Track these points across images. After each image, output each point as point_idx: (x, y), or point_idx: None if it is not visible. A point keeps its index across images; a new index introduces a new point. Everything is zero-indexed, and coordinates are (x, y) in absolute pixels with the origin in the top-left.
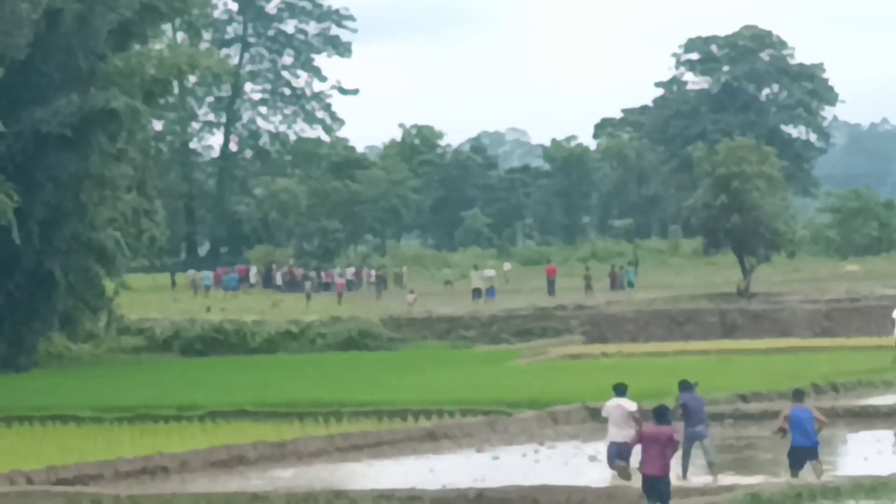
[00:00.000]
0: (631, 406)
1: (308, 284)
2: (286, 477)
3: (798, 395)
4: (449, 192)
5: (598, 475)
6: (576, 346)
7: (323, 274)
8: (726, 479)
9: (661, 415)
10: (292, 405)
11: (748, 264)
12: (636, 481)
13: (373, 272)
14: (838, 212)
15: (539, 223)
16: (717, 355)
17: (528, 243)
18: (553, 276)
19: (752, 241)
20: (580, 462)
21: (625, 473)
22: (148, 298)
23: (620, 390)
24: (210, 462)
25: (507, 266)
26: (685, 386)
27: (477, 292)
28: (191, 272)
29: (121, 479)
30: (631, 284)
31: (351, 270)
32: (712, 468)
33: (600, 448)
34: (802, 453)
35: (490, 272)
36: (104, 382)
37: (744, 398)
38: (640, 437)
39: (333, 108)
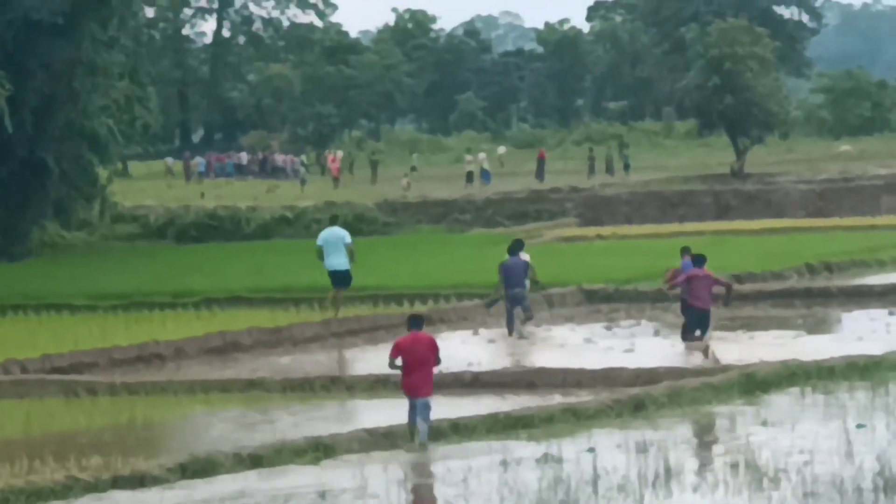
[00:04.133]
0: (524, 257)
1: (303, 170)
2: (282, 363)
3: (699, 259)
4: (443, 76)
5: (594, 357)
6: (570, 228)
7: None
8: (723, 355)
9: (699, 260)
10: (287, 291)
11: (742, 145)
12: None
13: (301, 159)
14: (831, 92)
15: (533, 106)
16: (712, 236)
17: (523, 126)
18: (543, 158)
19: (746, 122)
20: (575, 344)
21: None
22: (142, 185)
23: (518, 246)
24: (205, 349)
25: (501, 149)
26: (512, 249)
27: (469, 176)
28: (168, 159)
29: (116, 367)
30: (627, 167)
31: (283, 157)
32: (527, 319)
33: (596, 330)
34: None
35: (482, 156)
36: (98, 270)
37: (738, 279)
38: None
39: None
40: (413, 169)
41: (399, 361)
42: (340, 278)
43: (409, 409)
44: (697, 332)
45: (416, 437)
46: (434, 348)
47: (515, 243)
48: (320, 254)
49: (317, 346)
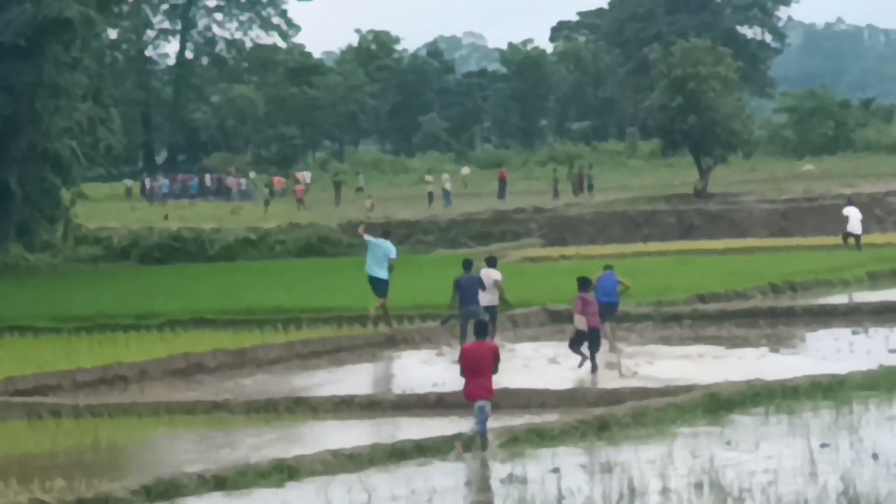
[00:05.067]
0: (497, 275)
1: (267, 191)
2: (246, 385)
3: (585, 283)
4: (406, 96)
5: (559, 377)
6: (534, 249)
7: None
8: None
9: (584, 284)
10: (251, 312)
11: (705, 165)
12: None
13: (243, 181)
14: (794, 112)
15: (497, 127)
16: (676, 256)
17: (487, 147)
18: (505, 179)
19: (709, 142)
20: (540, 364)
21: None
22: (106, 207)
23: (491, 262)
24: (169, 371)
25: (465, 170)
26: (466, 265)
27: (431, 196)
28: (126, 181)
29: (79, 389)
30: (591, 187)
31: (231, 179)
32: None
33: (560, 350)
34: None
35: (445, 176)
36: (62, 292)
37: (702, 298)
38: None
39: (289, 14)
40: (359, 190)
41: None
42: (376, 285)
43: (477, 414)
44: (584, 350)
45: (485, 442)
46: (495, 357)
47: (465, 262)
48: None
49: (281, 368)
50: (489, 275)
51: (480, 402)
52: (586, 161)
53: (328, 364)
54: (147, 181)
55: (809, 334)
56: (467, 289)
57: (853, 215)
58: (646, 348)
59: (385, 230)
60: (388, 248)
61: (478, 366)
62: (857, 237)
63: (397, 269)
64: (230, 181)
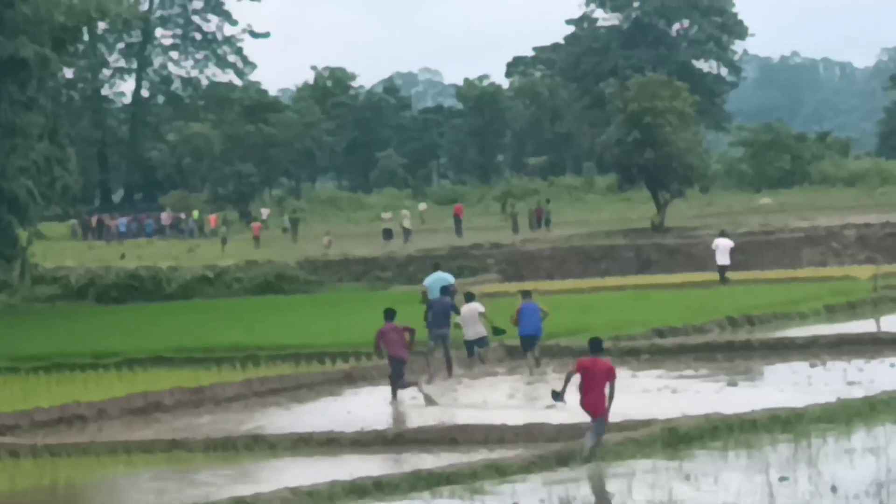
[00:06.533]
0: (480, 308)
1: (224, 229)
2: (204, 423)
3: (390, 314)
4: (363, 133)
5: (517, 413)
6: (492, 284)
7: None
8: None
9: (389, 315)
10: (209, 350)
11: (662, 199)
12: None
13: (178, 215)
14: (751, 145)
15: (454, 162)
16: (633, 290)
17: (444, 183)
18: (460, 215)
19: (666, 177)
20: (498, 399)
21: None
22: (62, 246)
23: (469, 297)
24: (127, 409)
25: (422, 206)
26: (443, 288)
27: (387, 233)
28: (72, 221)
29: (38, 429)
30: (549, 222)
31: (166, 215)
32: (450, 368)
33: (518, 386)
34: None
35: (405, 213)
36: (19, 332)
37: (660, 333)
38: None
39: (245, 52)
40: (285, 230)
41: (577, 379)
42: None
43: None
44: (409, 378)
45: (589, 452)
46: (609, 376)
47: (466, 296)
48: (425, 297)
49: (239, 406)
50: (473, 309)
51: (600, 419)
52: (543, 196)
53: (287, 401)
54: (92, 220)
55: (767, 368)
56: (439, 311)
57: (722, 246)
58: None
59: (436, 263)
60: (445, 277)
61: (594, 381)
62: (723, 268)
63: (350, 306)
64: (164, 217)
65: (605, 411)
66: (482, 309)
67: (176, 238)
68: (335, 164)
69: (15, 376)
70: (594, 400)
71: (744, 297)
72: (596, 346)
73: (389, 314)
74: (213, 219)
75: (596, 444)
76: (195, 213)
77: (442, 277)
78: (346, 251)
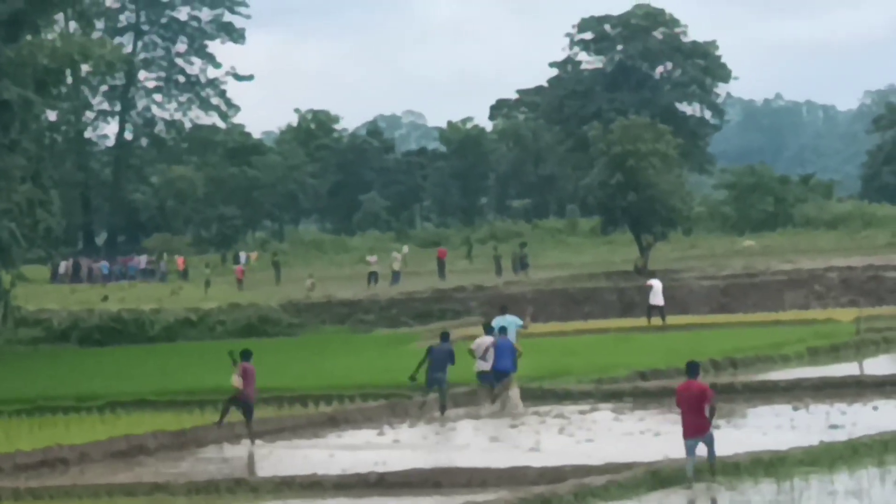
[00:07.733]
0: (489, 340)
1: (207, 271)
2: (186, 466)
3: (247, 355)
4: (346, 176)
5: (499, 456)
6: (475, 327)
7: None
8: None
9: (246, 356)
10: (192, 393)
11: (645, 242)
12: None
13: (144, 258)
14: (734, 188)
15: (437, 205)
16: (616, 333)
17: (427, 225)
18: (444, 258)
19: (649, 219)
20: (480, 442)
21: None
22: (45, 289)
23: (490, 329)
24: (110, 453)
25: (405, 249)
26: (443, 336)
27: (372, 277)
28: (63, 262)
29: (20, 472)
30: (526, 266)
31: (143, 259)
32: (443, 409)
33: (501, 429)
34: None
35: (395, 255)
36: (1, 374)
37: (643, 376)
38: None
39: (228, 95)
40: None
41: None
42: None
43: (687, 452)
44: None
45: (695, 474)
46: (704, 397)
47: (443, 334)
48: (471, 353)
49: (222, 449)
50: (483, 342)
51: (707, 435)
52: (523, 239)
53: (269, 444)
54: (64, 265)
55: (750, 410)
56: (437, 358)
57: (656, 287)
58: (587, 425)
59: (503, 305)
60: (512, 319)
61: (690, 404)
62: (660, 308)
63: (333, 349)
64: (140, 261)
65: (709, 426)
66: (490, 340)
67: (145, 282)
68: (318, 206)
69: None
70: (695, 420)
71: (727, 339)
72: (693, 369)
73: (245, 355)
74: (180, 261)
75: (713, 458)
76: (164, 256)
77: (511, 321)
78: (329, 293)
